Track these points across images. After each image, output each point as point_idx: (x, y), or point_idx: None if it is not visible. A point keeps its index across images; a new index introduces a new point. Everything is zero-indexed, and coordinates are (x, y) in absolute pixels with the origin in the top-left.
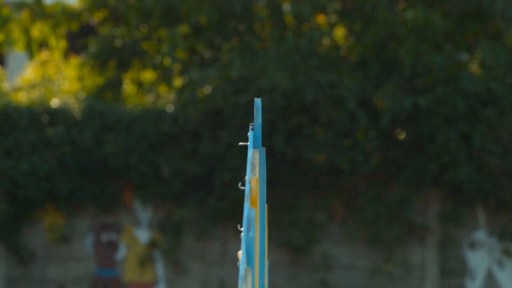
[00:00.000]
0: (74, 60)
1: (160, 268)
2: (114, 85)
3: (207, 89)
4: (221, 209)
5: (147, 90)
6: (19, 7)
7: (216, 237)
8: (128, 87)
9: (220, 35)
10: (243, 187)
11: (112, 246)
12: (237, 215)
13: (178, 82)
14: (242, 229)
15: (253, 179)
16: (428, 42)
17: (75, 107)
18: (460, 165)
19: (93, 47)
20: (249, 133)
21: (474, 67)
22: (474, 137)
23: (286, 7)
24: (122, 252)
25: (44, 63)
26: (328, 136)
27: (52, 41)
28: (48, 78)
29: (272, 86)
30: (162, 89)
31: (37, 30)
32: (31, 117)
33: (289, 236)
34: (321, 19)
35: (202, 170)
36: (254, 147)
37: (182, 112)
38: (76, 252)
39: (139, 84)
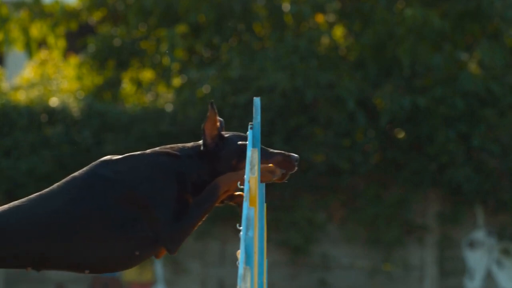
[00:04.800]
0: (73, 60)
1: (159, 268)
2: (113, 85)
3: (206, 89)
4: (220, 208)
5: (146, 89)
6: (18, 6)
7: (215, 237)
8: (127, 87)
9: (219, 34)
10: (242, 186)
11: None
12: (236, 215)
13: (177, 81)
14: (241, 228)
15: (252, 179)
16: (426, 42)
17: (74, 107)
18: (459, 165)
19: (92, 46)
20: (248, 133)
21: (473, 67)
22: (473, 137)
23: (286, 6)
24: None
25: (43, 63)
26: (327, 136)
27: (51, 40)
28: (47, 77)
29: (271, 86)
30: (161, 88)
31: (36, 30)
32: (30, 117)
33: (288, 236)
34: (320, 18)
35: None
36: (253, 146)
37: (181, 112)
38: None
39: (138, 84)
